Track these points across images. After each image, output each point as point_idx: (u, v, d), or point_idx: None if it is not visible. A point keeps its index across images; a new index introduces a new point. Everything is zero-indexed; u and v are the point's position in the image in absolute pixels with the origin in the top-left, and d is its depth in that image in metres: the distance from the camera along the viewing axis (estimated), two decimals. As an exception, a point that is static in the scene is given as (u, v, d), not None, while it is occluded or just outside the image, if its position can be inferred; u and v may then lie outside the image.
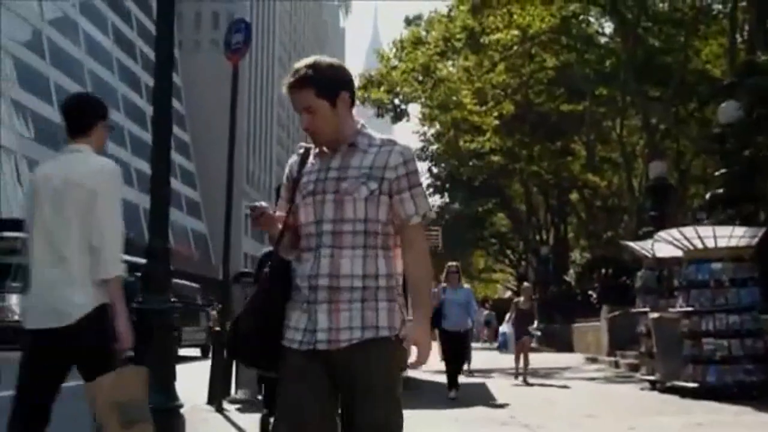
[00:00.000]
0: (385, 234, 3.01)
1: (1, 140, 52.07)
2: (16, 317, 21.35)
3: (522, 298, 16.07)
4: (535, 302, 16.26)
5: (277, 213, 3.14)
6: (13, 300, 21.86)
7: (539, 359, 19.34)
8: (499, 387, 13.77)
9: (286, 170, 3.22)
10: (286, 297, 3.03)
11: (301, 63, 3.07)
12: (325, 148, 3.08)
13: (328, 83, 3.03)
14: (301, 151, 3.17)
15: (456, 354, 12.19)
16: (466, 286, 13.72)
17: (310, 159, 3.14)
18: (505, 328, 16.57)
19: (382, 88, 30.30)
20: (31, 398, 3.91)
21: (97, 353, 3.89)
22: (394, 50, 30.59)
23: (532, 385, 14.48)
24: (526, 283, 19.21)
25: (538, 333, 16.50)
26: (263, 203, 3.15)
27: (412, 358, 3.04)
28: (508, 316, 16.43)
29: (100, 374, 3.84)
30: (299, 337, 2.96)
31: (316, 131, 3.05)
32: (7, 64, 54.78)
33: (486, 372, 17.29)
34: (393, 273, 3.02)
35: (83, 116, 4.22)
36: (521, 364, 15.25)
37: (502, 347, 16.46)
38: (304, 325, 2.96)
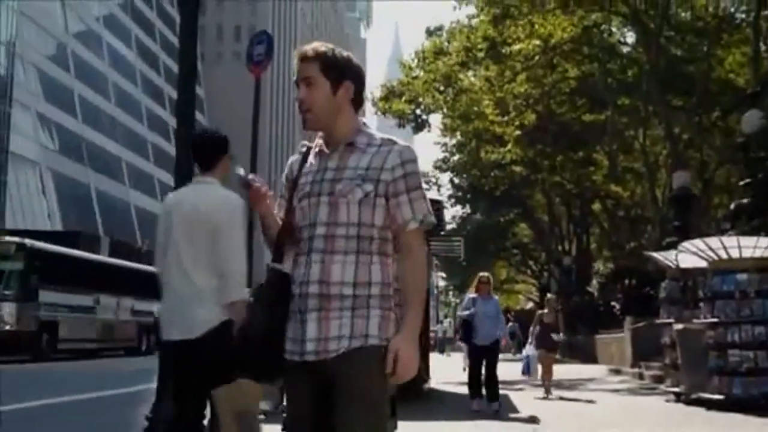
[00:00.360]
0: (381, 239, 2.84)
1: (26, 152, 52.61)
2: (8, 327, 21.52)
3: (546, 310, 15.26)
4: (559, 314, 15.62)
5: (277, 213, 3.01)
6: (6, 309, 21.95)
7: (562, 371, 19.23)
8: (522, 399, 13.69)
9: (286, 169, 3.09)
10: (286, 305, 2.85)
11: (319, 43, 2.97)
12: (325, 148, 2.93)
13: (336, 66, 2.89)
14: (303, 149, 3.04)
15: (488, 367, 11.77)
16: (495, 297, 13.00)
17: (310, 158, 2.99)
18: (528, 350, 15.48)
19: (403, 99, 30.36)
20: (170, 401, 4.53)
21: (218, 364, 4.25)
22: (415, 60, 30.65)
23: (554, 398, 14.38)
24: (550, 295, 17.98)
25: (560, 338, 15.70)
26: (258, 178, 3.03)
27: (389, 368, 2.73)
28: (531, 329, 15.46)
29: (220, 384, 4.31)
30: (291, 348, 2.80)
31: (308, 108, 2.88)
32: (32, 76, 55.37)
33: (509, 384, 17.21)
34: (388, 281, 2.83)
35: (210, 153, 4.80)
36: (541, 375, 14.85)
37: (526, 372, 15.23)
38: (294, 335, 2.80)
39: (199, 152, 4.82)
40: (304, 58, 2.90)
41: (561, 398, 14.20)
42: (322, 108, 2.88)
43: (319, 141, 2.97)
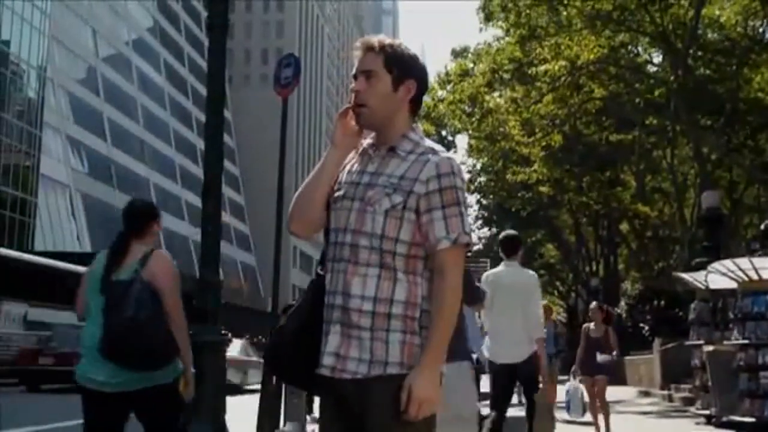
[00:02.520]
0: (408, 256, 2.61)
1: (56, 175, 53.22)
2: None
3: (592, 324, 11.32)
4: (610, 328, 11.35)
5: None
6: None
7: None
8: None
9: None
10: (317, 313, 2.69)
11: (386, 37, 2.79)
12: (370, 149, 2.74)
13: (402, 62, 2.70)
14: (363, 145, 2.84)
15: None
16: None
17: (352, 157, 2.80)
18: (571, 383, 12.35)
19: (428, 121, 30.44)
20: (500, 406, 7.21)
21: (534, 380, 7.32)
22: (440, 82, 30.74)
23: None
24: (594, 303, 12.72)
25: (609, 358, 11.03)
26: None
27: (402, 406, 2.52)
28: (579, 351, 11.49)
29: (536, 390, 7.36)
30: (320, 359, 2.63)
31: (363, 101, 2.69)
32: (63, 100, 56.11)
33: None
34: (414, 301, 2.60)
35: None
36: (598, 415, 11.07)
37: (570, 410, 12.46)
38: (321, 346, 2.63)
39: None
40: (368, 49, 2.72)
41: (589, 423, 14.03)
42: (379, 104, 2.69)
43: (368, 140, 2.79)
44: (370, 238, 2.60)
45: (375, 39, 2.74)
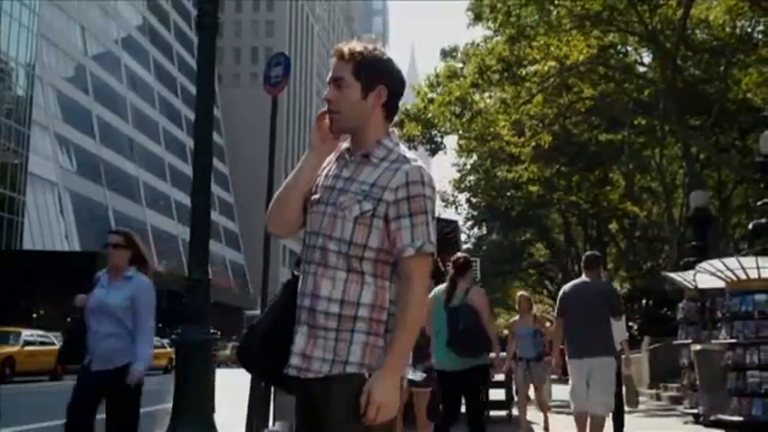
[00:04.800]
0: (376, 260, 2.66)
1: (45, 173, 53.01)
2: None
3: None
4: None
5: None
6: None
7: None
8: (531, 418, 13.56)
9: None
10: (288, 314, 2.74)
11: (362, 42, 2.81)
12: (346, 154, 2.79)
13: (370, 69, 2.73)
14: (341, 150, 2.88)
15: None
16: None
17: (330, 161, 2.85)
18: None
19: (417, 123, 30.41)
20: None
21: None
22: (429, 84, 30.73)
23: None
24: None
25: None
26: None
27: (360, 409, 2.55)
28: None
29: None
30: (290, 359, 2.69)
31: (334, 108, 2.74)
32: (51, 98, 55.89)
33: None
34: (381, 304, 2.65)
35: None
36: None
37: None
38: (292, 347, 2.69)
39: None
40: (339, 57, 2.77)
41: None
42: (349, 111, 2.73)
43: (344, 145, 2.84)
44: (339, 243, 2.66)
45: (346, 47, 2.77)
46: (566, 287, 8.32)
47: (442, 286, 7.59)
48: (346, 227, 2.65)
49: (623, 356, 9.07)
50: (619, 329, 8.66)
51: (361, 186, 2.68)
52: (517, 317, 11.28)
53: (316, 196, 2.77)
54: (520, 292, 11.85)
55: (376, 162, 2.72)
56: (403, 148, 2.78)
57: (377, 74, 2.75)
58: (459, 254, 7.89)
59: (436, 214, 5.06)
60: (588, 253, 8.97)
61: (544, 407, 11.42)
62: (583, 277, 8.30)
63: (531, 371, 10.72)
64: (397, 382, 2.62)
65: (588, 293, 7.96)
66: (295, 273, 2.80)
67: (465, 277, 7.59)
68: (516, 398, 11.97)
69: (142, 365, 5.04)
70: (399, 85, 2.81)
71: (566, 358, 8.04)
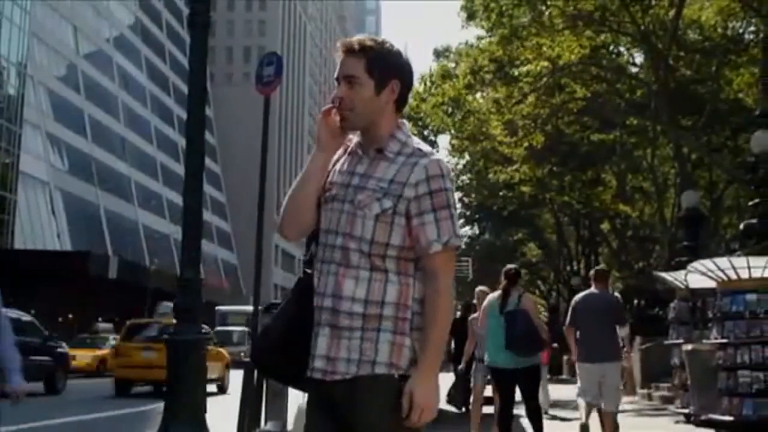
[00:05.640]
0: (399, 258, 2.59)
1: (36, 172, 52.86)
2: None
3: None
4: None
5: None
6: None
7: (570, 391, 19.11)
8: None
9: None
10: (305, 315, 2.66)
11: (366, 35, 2.71)
12: (359, 149, 2.70)
13: (384, 64, 2.64)
14: (348, 143, 2.79)
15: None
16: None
17: (342, 155, 2.76)
18: None
19: (411, 123, 30.42)
20: None
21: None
22: (422, 85, 30.75)
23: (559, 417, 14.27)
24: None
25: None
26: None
27: (403, 412, 2.51)
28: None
29: None
30: (309, 361, 2.62)
31: (347, 106, 2.65)
32: (43, 97, 55.73)
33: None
34: (405, 302, 2.58)
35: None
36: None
37: None
38: (310, 349, 2.62)
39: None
40: (348, 52, 2.66)
41: (567, 419, 14.11)
42: (363, 109, 2.64)
43: (355, 139, 2.76)
44: (360, 242, 2.58)
45: (355, 41, 2.68)
46: (578, 298, 9.22)
47: (495, 293, 8.54)
48: (367, 225, 2.58)
49: (624, 350, 9.41)
50: (623, 330, 9.32)
51: (378, 183, 2.61)
52: (476, 314, 10.03)
53: (332, 193, 2.68)
54: (479, 287, 10.86)
55: (391, 157, 2.64)
56: (417, 140, 2.71)
57: (391, 69, 2.66)
58: (510, 266, 8.75)
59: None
60: (597, 267, 10.10)
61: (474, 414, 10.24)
62: (592, 289, 9.19)
63: (477, 372, 10.06)
64: (436, 382, 2.58)
65: (597, 304, 8.87)
66: (308, 272, 2.71)
67: (516, 286, 8.42)
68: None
69: None
70: (411, 78, 2.75)
71: (576, 362, 8.99)
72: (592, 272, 9.69)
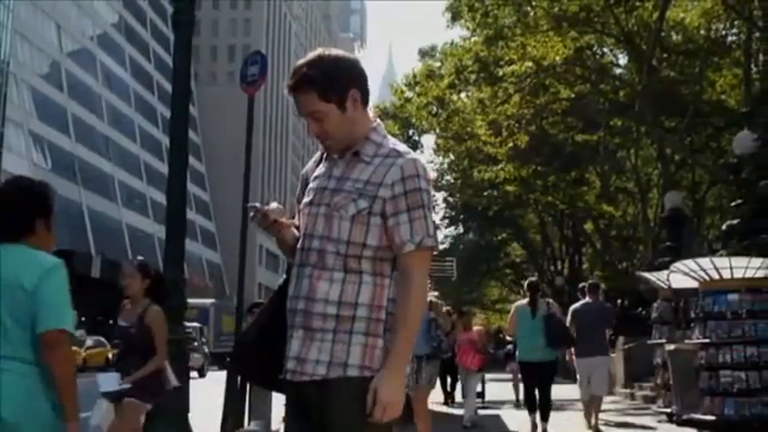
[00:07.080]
0: (375, 258, 2.61)
1: (19, 170, 52.54)
2: None
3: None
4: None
5: (294, 219, 2.79)
6: None
7: (561, 391, 19.16)
8: (511, 417, 13.64)
9: (303, 170, 2.90)
10: (279, 318, 2.70)
11: (303, 60, 2.68)
12: (335, 154, 2.72)
13: (334, 83, 2.62)
14: (321, 152, 2.84)
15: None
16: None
17: (318, 160, 2.81)
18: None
19: (395, 122, 30.46)
20: None
21: None
22: (407, 84, 30.78)
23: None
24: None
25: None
26: (272, 204, 2.80)
27: (367, 409, 2.52)
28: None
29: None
30: (285, 364, 2.65)
31: (325, 137, 2.68)
32: (26, 95, 55.38)
33: (500, 403, 17.18)
34: (380, 303, 2.60)
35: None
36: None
37: None
38: (285, 351, 2.64)
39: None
40: (297, 91, 2.65)
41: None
42: (339, 131, 2.66)
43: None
44: (337, 244, 2.60)
45: (297, 78, 2.65)
46: (576, 306, 11.42)
47: (523, 301, 10.38)
48: (343, 227, 2.59)
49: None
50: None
51: (354, 184, 2.62)
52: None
53: (309, 198, 2.71)
54: (432, 297, 9.78)
55: (367, 159, 2.66)
56: (393, 140, 2.72)
57: (342, 83, 2.65)
58: (531, 279, 11.40)
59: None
60: (590, 281, 12.96)
61: (421, 415, 8.64)
62: (587, 299, 11.42)
63: (420, 372, 8.56)
64: (402, 381, 2.58)
65: (592, 312, 11.11)
66: (286, 278, 2.75)
67: (538, 295, 10.37)
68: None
69: None
70: (363, 76, 2.72)
71: (575, 358, 11.10)
72: (586, 285, 11.91)
